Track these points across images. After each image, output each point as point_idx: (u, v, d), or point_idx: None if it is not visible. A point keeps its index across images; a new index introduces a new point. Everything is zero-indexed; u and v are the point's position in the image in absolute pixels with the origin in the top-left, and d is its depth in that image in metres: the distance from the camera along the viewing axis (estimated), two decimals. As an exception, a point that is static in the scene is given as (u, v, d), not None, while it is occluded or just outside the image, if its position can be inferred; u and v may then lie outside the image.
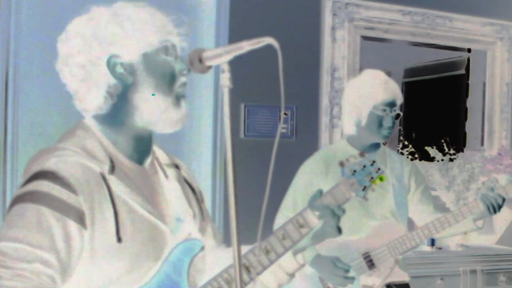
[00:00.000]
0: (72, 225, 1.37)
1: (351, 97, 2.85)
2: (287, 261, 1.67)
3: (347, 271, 2.63)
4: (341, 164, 1.72)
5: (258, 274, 1.59)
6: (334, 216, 1.65)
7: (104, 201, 1.41)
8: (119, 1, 1.53)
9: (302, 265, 1.70)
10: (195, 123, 3.79)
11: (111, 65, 1.47)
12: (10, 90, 3.29)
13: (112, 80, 1.48)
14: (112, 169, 1.45)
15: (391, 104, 2.78)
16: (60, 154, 1.43)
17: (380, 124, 2.77)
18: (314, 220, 1.64)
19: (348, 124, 2.86)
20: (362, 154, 1.74)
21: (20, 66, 3.32)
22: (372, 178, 1.72)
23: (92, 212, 1.39)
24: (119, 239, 1.40)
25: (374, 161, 1.72)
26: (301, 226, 1.63)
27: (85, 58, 1.48)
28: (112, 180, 1.44)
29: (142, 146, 1.56)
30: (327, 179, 2.72)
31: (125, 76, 1.48)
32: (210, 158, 3.73)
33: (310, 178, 2.79)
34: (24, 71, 3.34)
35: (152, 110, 1.50)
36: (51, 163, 1.40)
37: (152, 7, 1.53)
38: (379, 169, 1.72)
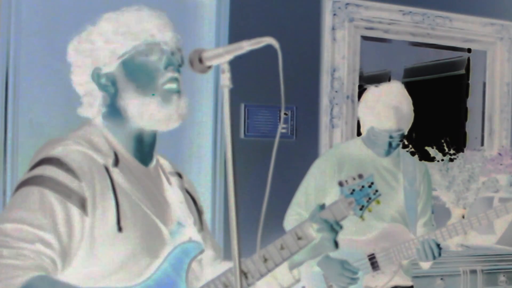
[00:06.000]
0: (74, 210, 1.39)
1: (362, 104, 2.82)
2: (284, 275, 1.69)
3: (355, 273, 2.66)
4: (340, 184, 1.76)
5: (257, 280, 1.61)
6: (332, 230, 1.68)
7: (106, 191, 1.44)
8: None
9: (298, 280, 1.72)
10: (195, 123, 3.79)
11: (95, 78, 1.53)
12: (10, 90, 3.29)
13: (101, 92, 1.54)
14: (116, 162, 1.49)
15: (390, 131, 2.71)
16: (65, 144, 1.47)
17: (375, 143, 2.77)
18: (312, 233, 1.67)
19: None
20: (361, 176, 1.76)
21: (20, 66, 3.32)
22: (370, 198, 1.81)
23: (93, 199, 1.42)
24: (119, 229, 1.43)
25: (372, 183, 1.80)
26: (299, 238, 1.66)
27: (82, 76, 1.55)
28: (115, 172, 1.48)
29: (145, 148, 1.58)
30: (340, 178, 2.69)
31: (109, 87, 1.53)
32: (210, 158, 3.73)
33: (323, 177, 2.79)
34: (24, 71, 3.34)
35: (139, 112, 1.52)
36: (56, 151, 1.45)
37: (133, 11, 1.55)
38: (376, 191, 1.80)
